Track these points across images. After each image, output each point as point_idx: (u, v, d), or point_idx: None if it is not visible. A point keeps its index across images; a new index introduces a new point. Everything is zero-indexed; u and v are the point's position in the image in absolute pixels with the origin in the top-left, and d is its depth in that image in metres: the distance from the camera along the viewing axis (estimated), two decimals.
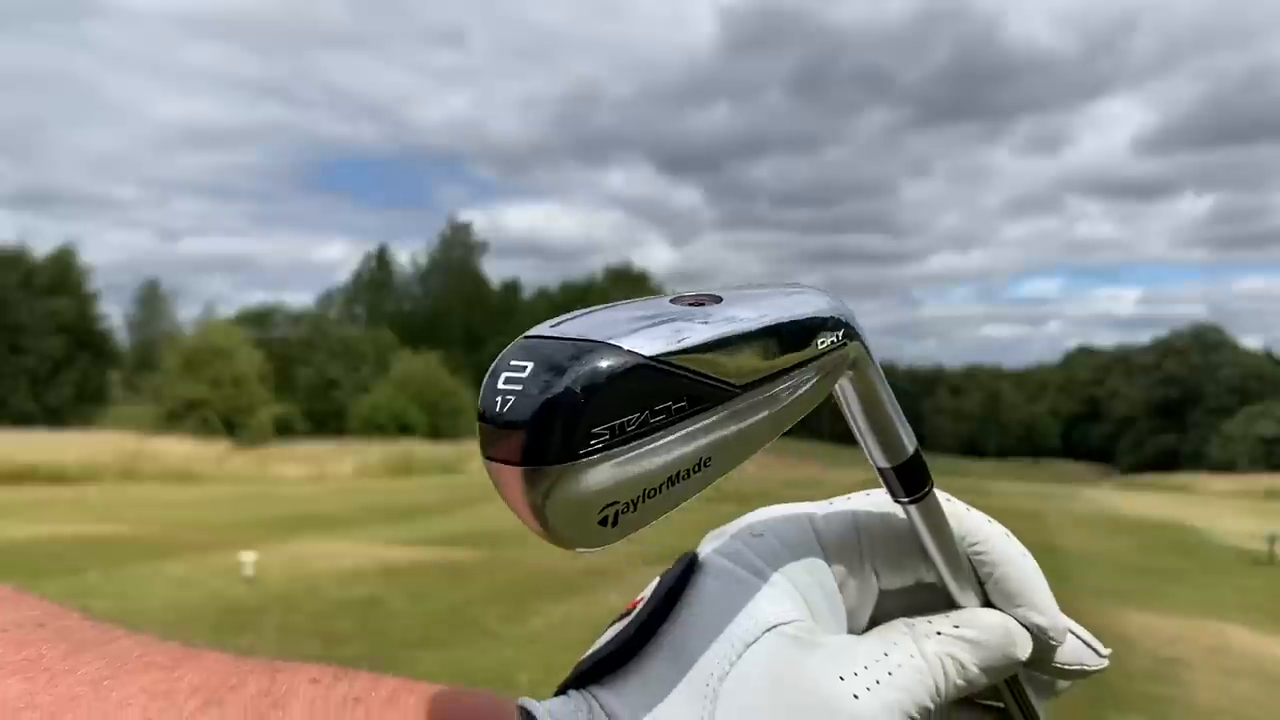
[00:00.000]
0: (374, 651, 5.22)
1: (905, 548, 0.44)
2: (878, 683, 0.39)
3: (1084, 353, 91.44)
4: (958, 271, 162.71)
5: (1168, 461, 66.55)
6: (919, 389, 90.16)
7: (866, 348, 0.39)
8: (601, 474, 0.29)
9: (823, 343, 0.36)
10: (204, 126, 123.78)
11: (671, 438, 0.31)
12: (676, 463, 0.32)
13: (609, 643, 0.40)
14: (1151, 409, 76.27)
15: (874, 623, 0.43)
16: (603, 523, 0.30)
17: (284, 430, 39.50)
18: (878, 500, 0.44)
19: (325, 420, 44.31)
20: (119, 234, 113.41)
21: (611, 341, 0.29)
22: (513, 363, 0.30)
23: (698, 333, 0.32)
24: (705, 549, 0.43)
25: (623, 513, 0.31)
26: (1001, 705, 0.45)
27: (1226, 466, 55.58)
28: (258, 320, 53.14)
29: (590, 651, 0.40)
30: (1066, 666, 0.45)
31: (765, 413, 0.35)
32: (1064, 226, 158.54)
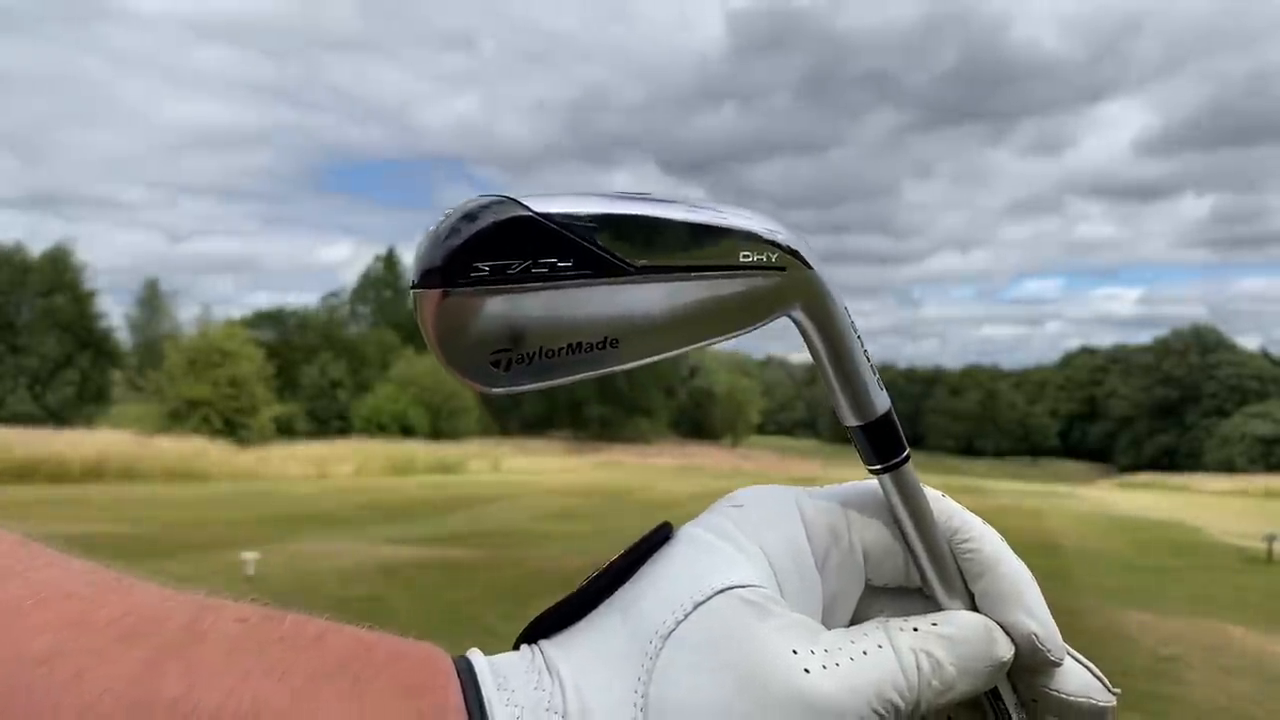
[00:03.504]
0: None
1: (897, 535, 0.42)
2: (838, 665, 0.36)
3: (1083, 353, 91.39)
4: (958, 272, 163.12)
5: (1166, 461, 66.55)
6: (918, 389, 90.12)
7: (822, 284, 0.39)
8: (483, 307, 0.33)
9: (745, 257, 0.37)
10: (212, 129, 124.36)
11: (560, 294, 0.34)
12: (574, 328, 0.35)
13: (563, 600, 0.40)
14: (1150, 409, 76.24)
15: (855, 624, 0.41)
16: (495, 364, 0.34)
17: (286, 430, 39.50)
18: (873, 485, 0.43)
19: (328, 420, 44.31)
20: (126, 235, 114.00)
21: (514, 198, 0.33)
22: (445, 211, 0.34)
23: (600, 206, 0.34)
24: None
25: (516, 361, 0.34)
26: None
27: (1224, 466, 55.61)
28: (268, 321, 53.19)
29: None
30: (1073, 698, 0.42)
31: (675, 307, 0.36)
32: (1065, 227, 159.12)
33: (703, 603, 0.37)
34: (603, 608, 0.39)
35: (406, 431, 39.95)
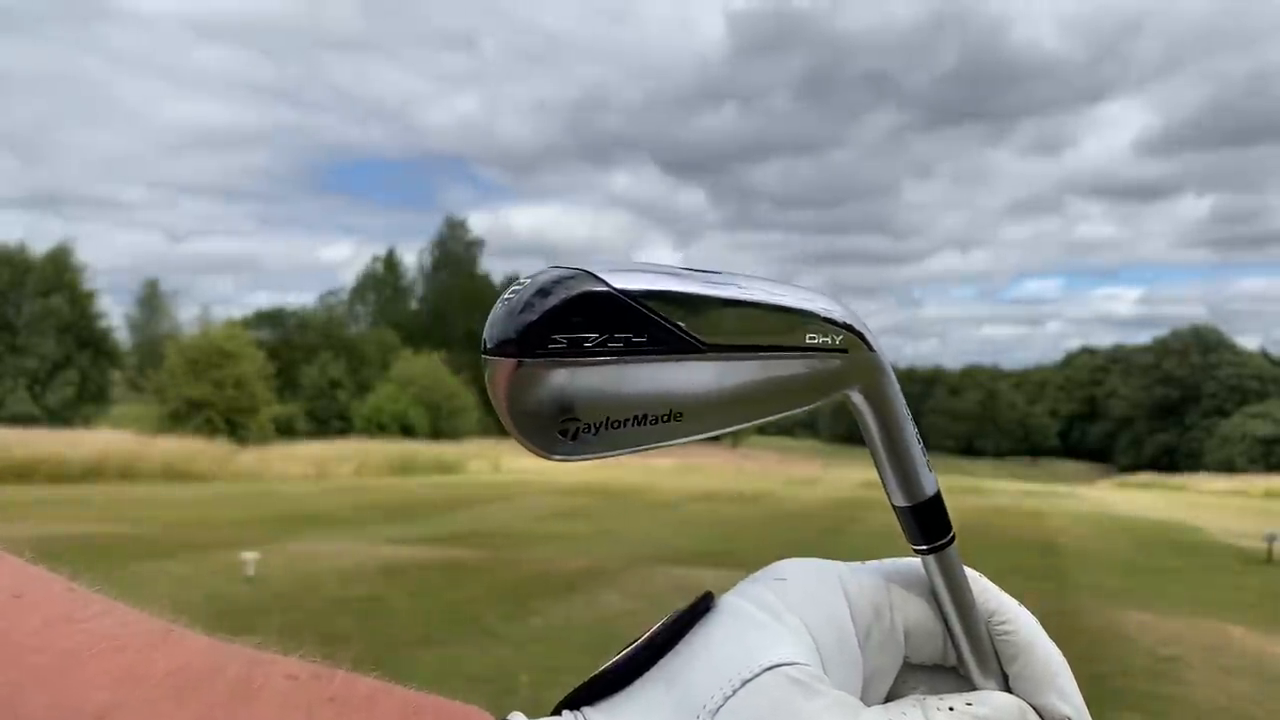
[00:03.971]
0: (374, 650, 5.22)
1: (937, 615, 0.43)
2: None
3: (1083, 353, 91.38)
4: (958, 272, 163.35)
5: (1166, 461, 66.60)
6: (918, 389, 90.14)
7: (883, 368, 0.39)
8: (556, 378, 0.33)
9: (811, 338, 0.38)
10: (213, 128, 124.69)
11: (631, 369, 0.34)
12: (641, 402, 0.35)
13: (608, 666, 0.40)
14: (1150, 409, 76.27)
15: (890, 700, 0.42)
16: (562, 433, 0.34)
17: (286, 430, 39.53)
18: (915, 563, 0.44)
19: (328, 420, 44.34)
20: (126, 235, 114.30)
21: (591, 271, 0.34)
22: (521, 279, 0.35)
23: (674, 284, 0.35)
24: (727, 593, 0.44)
25: (583, 430, 0.34)
26: None
27: (1224, 466, 55.65)
28: (268, 321, 53.25)
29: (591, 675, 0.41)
30: None
31: (740, 385, 0.37)
32: (1065, 227, 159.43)
33: (750, 680, 0.37)
34: (647, 678, 0.39)
35: (406, 431, 39.96)
